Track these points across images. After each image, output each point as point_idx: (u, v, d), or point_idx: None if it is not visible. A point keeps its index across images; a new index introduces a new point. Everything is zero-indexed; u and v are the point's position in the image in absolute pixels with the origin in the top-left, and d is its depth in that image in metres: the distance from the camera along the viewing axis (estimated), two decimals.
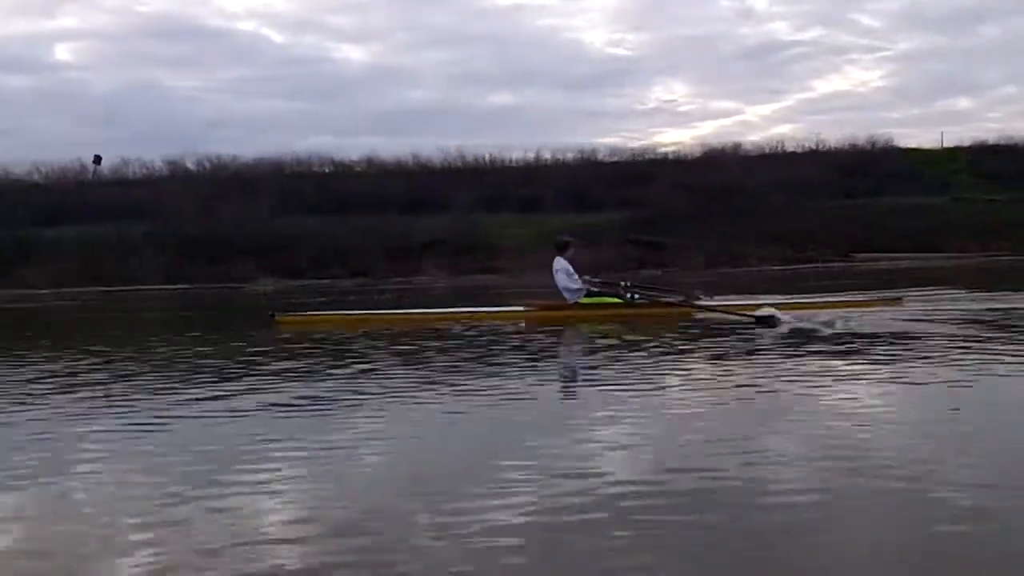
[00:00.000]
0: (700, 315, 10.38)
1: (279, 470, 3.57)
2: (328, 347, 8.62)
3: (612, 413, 4.61)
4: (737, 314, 9.84)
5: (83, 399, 5.73)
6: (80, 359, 8.21)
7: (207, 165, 46.91)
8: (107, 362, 7.97)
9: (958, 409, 4.51)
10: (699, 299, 10.85)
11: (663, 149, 51.19)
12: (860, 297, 12.21)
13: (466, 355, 7.57)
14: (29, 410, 5.38)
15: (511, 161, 47.93)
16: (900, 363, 6.20)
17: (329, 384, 6.00)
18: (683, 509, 2.89)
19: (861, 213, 38.32)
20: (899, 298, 11.58)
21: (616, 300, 10.62)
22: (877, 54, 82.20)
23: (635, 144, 71.83)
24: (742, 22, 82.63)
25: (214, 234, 35.73)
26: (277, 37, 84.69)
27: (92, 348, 9.60)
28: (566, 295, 10.64)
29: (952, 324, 8.81)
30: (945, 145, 49.35)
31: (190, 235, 35.79)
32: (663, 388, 5.50)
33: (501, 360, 7.03)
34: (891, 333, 8.22)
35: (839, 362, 6.26)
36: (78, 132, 70.67)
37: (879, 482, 3.14)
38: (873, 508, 2.87)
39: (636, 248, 34.91)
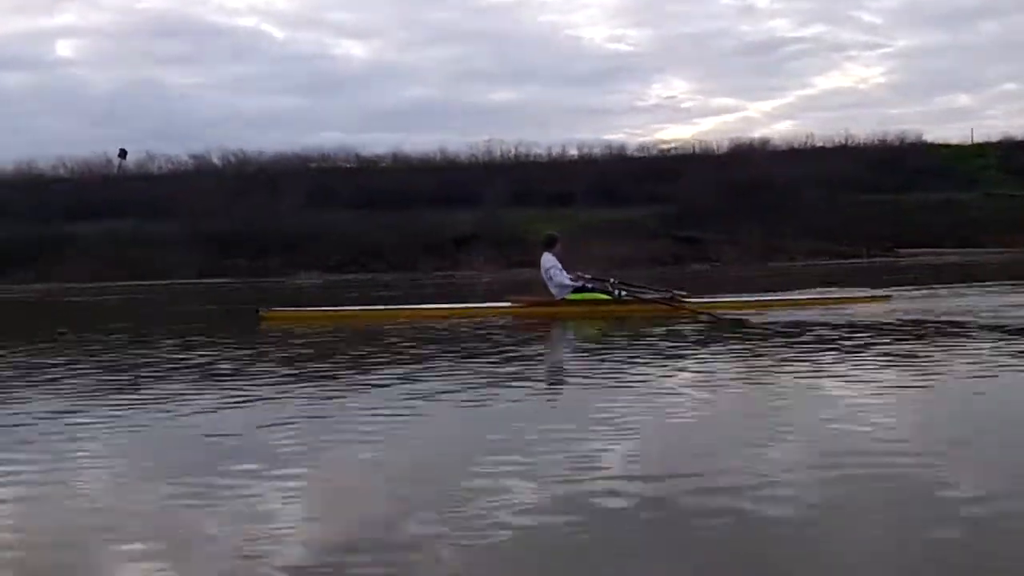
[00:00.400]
0: (688, 314, 10.23)
1: (276, 467, 3.55)
2: (320, 343, 8.57)
3: (608, 414, 4.48)
4: (717, 315, 9.86)
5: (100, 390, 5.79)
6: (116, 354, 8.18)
7: (232, 160, 46.63)
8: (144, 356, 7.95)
9: (962, 411, 4.46)
10: (684, 298, 10.76)
11: (671, 144, 50.87)
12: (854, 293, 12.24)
13: (455, 351, 7.48)
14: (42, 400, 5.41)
15: (537, 156, 47.67)
16: (904, 362, 6.11)
17: (324, 382, 6.00)
18: (680, 512, 2.85)
19: (893, 208, 38.24)
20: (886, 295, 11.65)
21: (603, 296, 10.51)
22: (878, 51, 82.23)
23: (637, 140, 71.78)
24: (743, 19, 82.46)
25: (249, 229, 35.56)
26: (278, 33, 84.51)
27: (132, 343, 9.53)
28: (554, 291, 10.51)
29: (973, 323, 8.58)
30: (969, 140, 49.29)
31: (225, 229, 35.61)
32: (660, 386, 5.40)
33: (495, 357, 6.96)
34: (897, 331, 8.11)
35: (840, 363, 6.12)
36: (78, 129, 70.72)
37: (879, 485, 3.10)
38: (873, 512, 2.83)
39: (673, 243, 34.75)
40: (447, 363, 6.71)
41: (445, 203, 39.54)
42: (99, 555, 2.64)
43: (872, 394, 4.86)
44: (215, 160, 46.71)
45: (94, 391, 5.87)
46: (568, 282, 10.36)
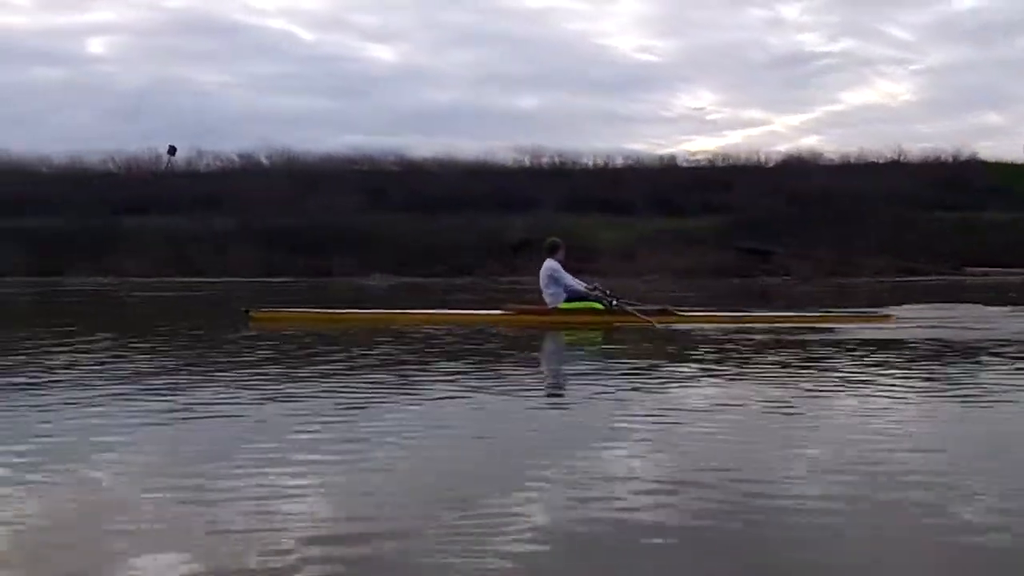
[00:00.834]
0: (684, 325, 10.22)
1: (289, 471, 3.48)
2: (324, 346, 8.49)
3: (619, 424, 4.45)
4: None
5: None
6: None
7: (279, 159, 46.36)
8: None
9: (982, 423, 4.47)
10: (679, 312, 10.77)
11: (699, 154, 50.37)
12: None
13: (454, 358, 7.41)
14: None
15: (582, 164, 47.30)
16: (922, 376, 6.26)
17: (327, 383, 5.90)
18: (698, 519, 2.80)
19: (958, 226, 37.75)
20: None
21: (597, 306, 10.40)
22: (908, 67, 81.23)
23: (662, 151, 71.06)
24: (772, 31, 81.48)
25: (307, 228, 35.24)
26: (306, 35, 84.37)
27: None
28: (548, 299, 10.40)
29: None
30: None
31: (284, 228, 35.30)
32: (676, 396, 5.37)
33: (496, 365, 7.02)
34: (911, 346, 8.16)
35: (855, 374, 6.20)
36: (106, 125, 70.02)
37: (897, 494, 3.07)
38: (891, 522, 2.81)
39: (737, 255, 34.29)
40: (446, 368, 6.66)
41: (494, 208, 39.21)
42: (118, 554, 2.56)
43: (896, 407, 4.86)
44: (263, 159, 46.50)
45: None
46: (581, 288, 10.24)
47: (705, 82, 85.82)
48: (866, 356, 7.50)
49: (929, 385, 5.89)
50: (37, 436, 4.19)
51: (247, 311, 10.87)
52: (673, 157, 47.21)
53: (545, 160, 47.05)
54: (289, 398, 5.35)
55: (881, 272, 33.36)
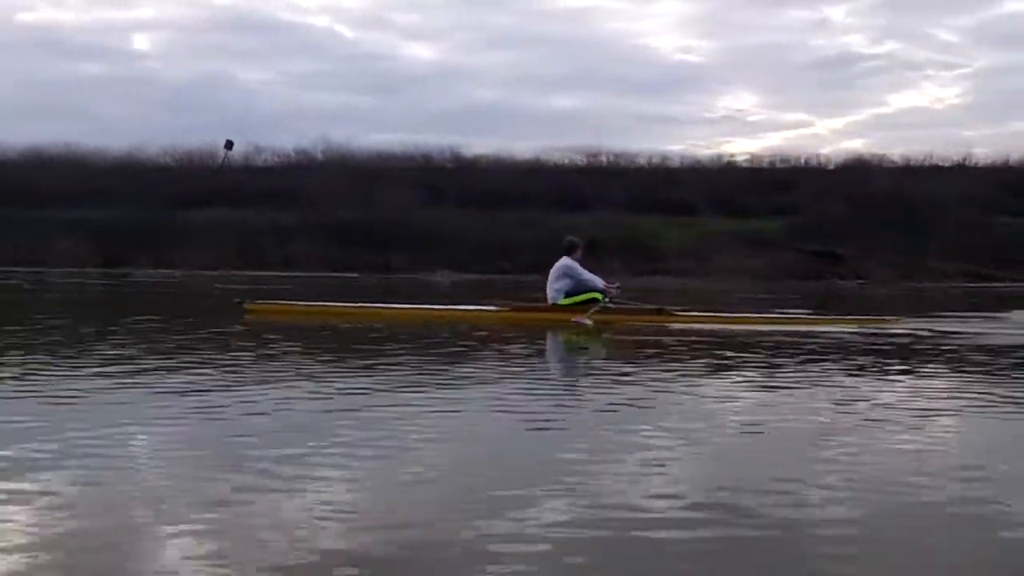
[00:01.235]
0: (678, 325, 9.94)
1: (314, 467, 3.33)
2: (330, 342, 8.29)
3: (640, 427, 4.25)
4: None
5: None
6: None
7: (335, 155, 46.33)
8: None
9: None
10: (675, 311, 10.55)
11: (731, 155, 49.58)
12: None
13: (458, 356, 7.20)
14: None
15: (643, 163, 46.82)
16: (955, 386, 5.89)
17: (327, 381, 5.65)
18: (725, 530, 2.65)
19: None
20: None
21: (597, 296, 10.14)
22: (955, 71, 79.84)
23: (703, 152, 70.18)
24: (816, 33, 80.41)
25: (369, 223, 35.12)
26: (348, 33, 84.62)
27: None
28: (551, 295, 10.24)
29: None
30: None
31: (344, 223, 35.19)
32: (700, 401, 5.13)
33: (488, 361, 6.84)
34: (944, 354, 7.80)
35: (883, 381, 5.98)
36: (149, 120, 70.98)
37: (933, 510, 2.91)
38: (926, 538, 2.68)
39: (807, 257, 33.71)
40: (449, 366, 6.48)
41: (550, 206, 38.82)
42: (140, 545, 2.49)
43: (928, 417, 4.61)
44: (318, 154, 46.49)
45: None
46: (599, 283, 10.08)
47: (746, 83, 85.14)
48: (893, 361, 7.25)
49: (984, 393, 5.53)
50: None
51: (241, 303, 10.81)
52: (732, 157, 46.55)
53: (601, 159, 46.61)
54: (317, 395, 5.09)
55: (950, 277, 32.70)
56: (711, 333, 9.24)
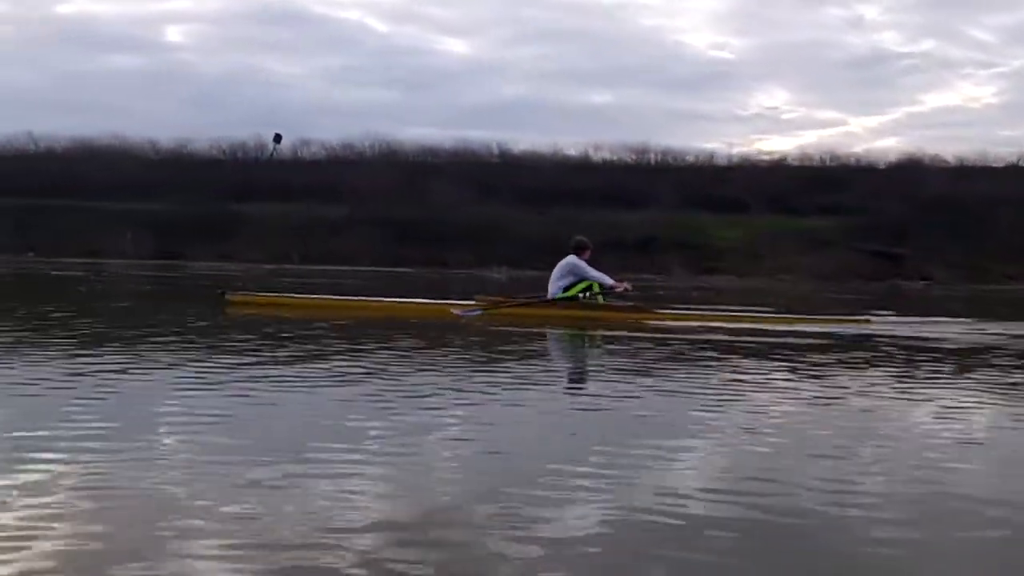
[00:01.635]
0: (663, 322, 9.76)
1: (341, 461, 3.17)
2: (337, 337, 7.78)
3: (668, 424, 4.14)
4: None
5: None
6: None
7: (383, 149, 46.40)
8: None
9: None
10: (652, 308, 10.46)
11: (762, 153, 48.95)
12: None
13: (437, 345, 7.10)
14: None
15: (691, 160, 46.57)
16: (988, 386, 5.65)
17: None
18: (761, 531, 2.56)
19: None
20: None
21: (594, 286, 9.90)
22: (991, 70, 78.49)
23: (736, 150, 69.64)
24: (851, 31, 79.41)
25: (423, 218, 35.07)
26: (381, 27, 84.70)
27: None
28: (551, 288, 10.10)
29: None
30: None
31: (396, 218, 35.17)
32: (731, 398, 4.91)
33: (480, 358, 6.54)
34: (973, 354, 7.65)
35: (917, 382, 5.71)
36: (182, 113, 71.64)
37: (973, 516, 2.75)
38: (968, 541, 2.55)
39: (867, 257, 33.33)
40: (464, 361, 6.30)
41: (599, 202, 38.62)
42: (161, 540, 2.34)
43: (964, 418, 4.43)
44: (365, 148, 46.56)
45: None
46: (608, 280, 9.93)
47: (779, 81, 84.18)
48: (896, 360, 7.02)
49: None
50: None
51: (223, 293, 10.72)
52: (784, 155, 46.13)
53: (649, 156, 46.38)
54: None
55: (1013, 278, 32.24)
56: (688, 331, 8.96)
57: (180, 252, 34.90)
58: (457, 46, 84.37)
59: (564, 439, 3.77)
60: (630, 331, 8.54)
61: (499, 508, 2.64)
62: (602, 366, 6.70)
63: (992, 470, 3.38)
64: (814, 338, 8.48)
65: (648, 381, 5.38)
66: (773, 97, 79.10)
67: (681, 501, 2.74)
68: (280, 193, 38.64)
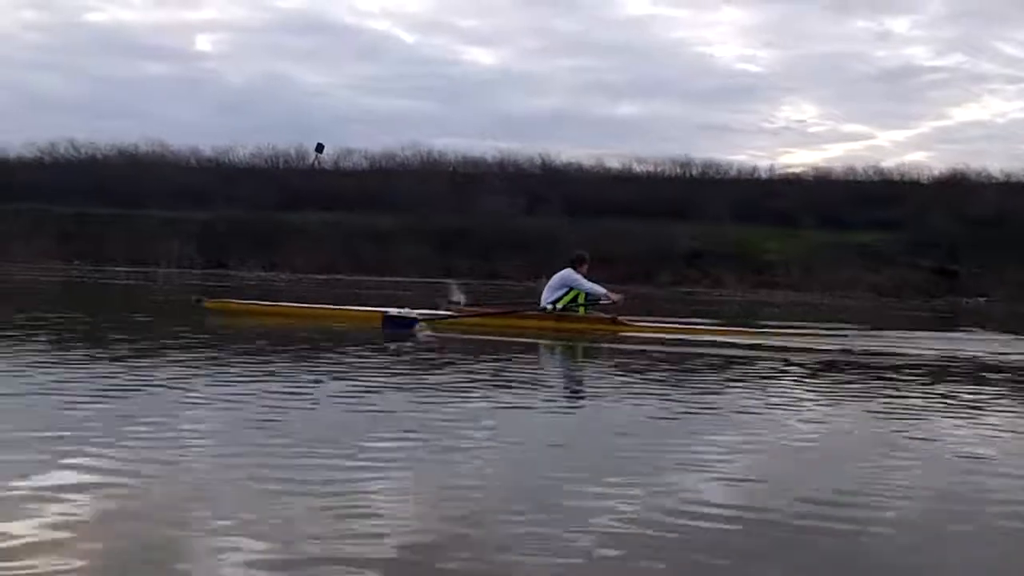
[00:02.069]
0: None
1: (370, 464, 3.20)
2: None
3: (695, 431, 4.16)
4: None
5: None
6: None
7: (424, 159, 46.33)
8: None
9: None
10: (631, 321, 10.28)
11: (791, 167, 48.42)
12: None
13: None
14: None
15: (735, 173, 46.23)
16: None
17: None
18: (786, 538, 2.57)
19: None
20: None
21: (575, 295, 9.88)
22: (1019, 84, 77.41)
23: (763, 163, 68.88)
24: (879, 44, 78.74)
25: (471, 228, 34.90)
26: (408, 37, 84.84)
27: None
28: (544, 298, 10.13)
29: None
30: None
31: (445, 228, 35.02)
32: (753, 409, 4.91)
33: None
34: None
35: (941, 394, 5.66)
36: (211, 120, 72.14)
37: (997, 524, 2.78)
38: (990, 553, 2.54)
39: (923, 273, 32.81)
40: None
41: (649, 216, 38.29)
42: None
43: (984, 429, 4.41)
44: (408, 158, 46.50)
45: None
46: (601, 291, 9.96)
47: (807, 94, 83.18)
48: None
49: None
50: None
51: (200, 301, 10.68)
52: (829, 170, 45.64)
53: (692, 169, 46.07)
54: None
55: None
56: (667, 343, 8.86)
57: (226, 261, 34.84)
58: (484, 56, 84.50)
59: (561, 449, 3.74)
60: (605, 342, 8.67)
61: (508, 520, 2.60)
62: (571, 376, 6.76)
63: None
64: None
65: (619, 391, 5.36)
66: (800, 110, 78.52)
67: (680, 506, 2.77)
68: (325, 202, 38.62)
